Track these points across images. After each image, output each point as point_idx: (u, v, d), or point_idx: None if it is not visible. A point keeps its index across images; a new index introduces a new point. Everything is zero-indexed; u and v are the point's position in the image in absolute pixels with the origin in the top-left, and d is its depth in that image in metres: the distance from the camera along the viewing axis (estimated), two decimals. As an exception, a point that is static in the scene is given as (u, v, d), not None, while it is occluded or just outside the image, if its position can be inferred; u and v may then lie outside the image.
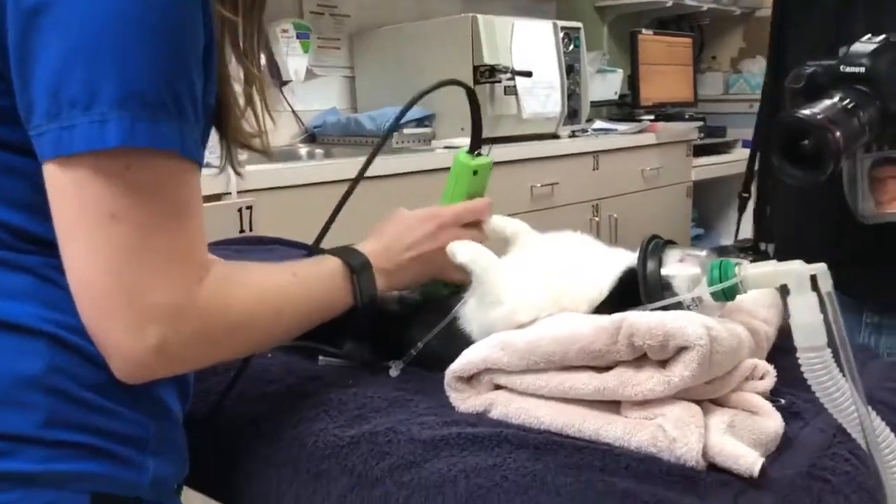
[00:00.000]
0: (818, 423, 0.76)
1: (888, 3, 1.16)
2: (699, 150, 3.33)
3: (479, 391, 0.77)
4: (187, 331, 0.64)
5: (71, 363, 0.65)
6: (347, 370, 0.90)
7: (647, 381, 0.68)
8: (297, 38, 2.53)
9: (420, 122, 2.48)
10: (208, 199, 1.67)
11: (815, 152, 0.95)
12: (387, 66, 2.68)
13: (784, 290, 0.73)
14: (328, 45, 2.72)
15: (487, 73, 2.41)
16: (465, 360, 0.76)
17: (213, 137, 0.78)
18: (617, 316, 0.71)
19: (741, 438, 0.68)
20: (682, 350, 0.68)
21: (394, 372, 0.88)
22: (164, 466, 0.71)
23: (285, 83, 2.55)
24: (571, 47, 2.77)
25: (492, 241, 0.94)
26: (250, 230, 1.73)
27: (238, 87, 0.77)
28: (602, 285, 0.80)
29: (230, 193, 1.73)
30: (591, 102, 2.98)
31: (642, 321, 0.69)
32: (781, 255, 0.75)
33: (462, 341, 0.85)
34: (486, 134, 2.28)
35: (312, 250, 0.91)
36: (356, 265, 0.82)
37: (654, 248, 0.79)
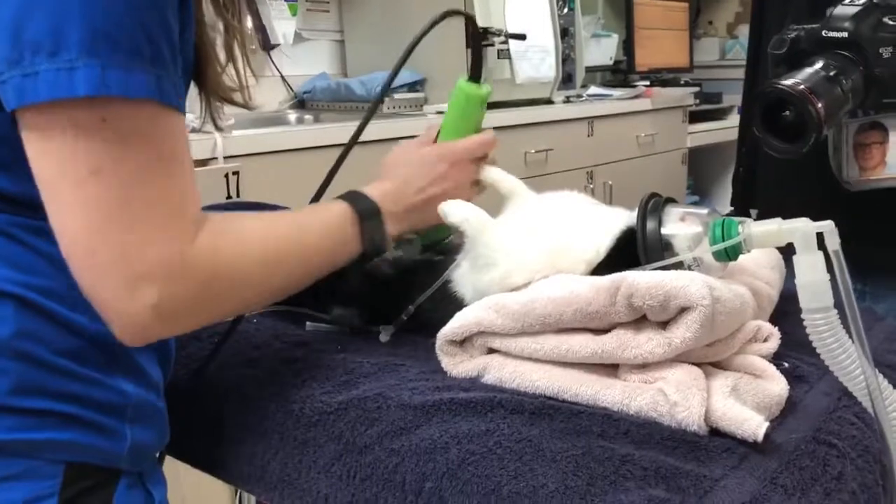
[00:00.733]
0: (822, 387, 0.73)
1: None
2: (694, 117, 3.29)
3: (471, 355, 0.74)
4: (184, 288, 0.60)
5: (41, 328, 0.62)
6: (336, 336, 0.87)
7: (647, 343, 0.66)
8: (285, 0, 2.47)
9: (412, 86, 2.43)
10: (193, 164, 1.63)
11: (797, 123, 0.92)
12: (377, 30, 2.62)
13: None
14: (317, 7, 2.65)
15: (480, 36, 2.35)
16: (458, 323, 0.73)
17: (192, 94, 0.74)
18: (616, 276, 0.68)
19: (744, 402, 0.65)
20: (683, 311, 0.65)
21: (384, 337, 0.86)
22: (143, 435, 0.68)
23: (273, 47, 2.49)
24: (566, 10, 2.71)
25: (485, 194, 0.90)
26: (237, 196, 1.69)
27: (218, 40, 0.73)
28: (600, 245, 0.77)
29: (216, 158, 1.69)
30: (586, 68, 2.93)
31: (642, 281, 0.66)
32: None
33: (455, 305, 0.82)
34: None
35: None
36: (364, 211, 0.77)
37: (653, 206, 0.76)
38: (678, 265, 0.73)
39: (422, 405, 0.67)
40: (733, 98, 3.62)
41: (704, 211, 0.76)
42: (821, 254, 0.68)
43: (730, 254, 0.72)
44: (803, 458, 0.62)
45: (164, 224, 0.59)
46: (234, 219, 0.68)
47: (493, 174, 0.90)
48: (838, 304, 0.67)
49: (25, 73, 0.54)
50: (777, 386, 0.68)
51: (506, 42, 2.43)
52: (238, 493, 1.70)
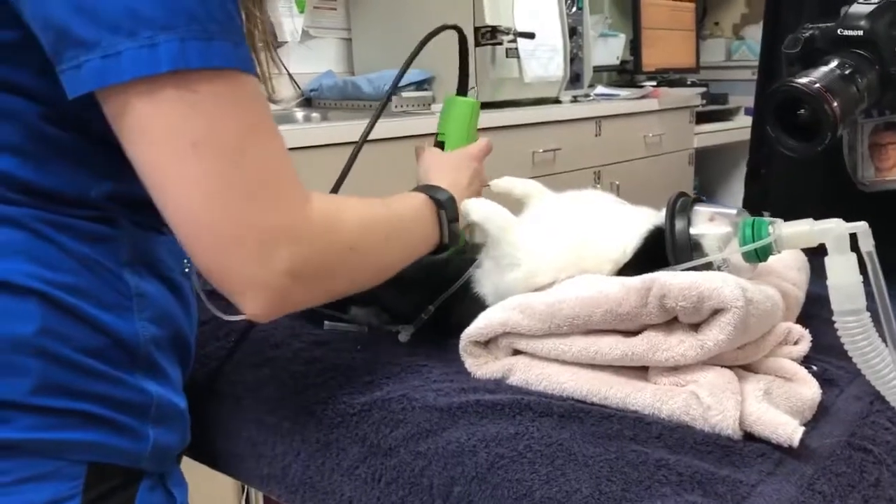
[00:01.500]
0: (853, 391, 0.72)
1: None
2: (701, 118, 3.28)
3: (496, 356, 0.73)
4: (314, 249, 0.60)
5: (65, 325, 0.61)
6: (354, 335, 0.86)
7: (679, 345, 0.64)
8: (293, -3, 2.45)
9: (419, 85, 2.41)
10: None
11: (812, 122, 0.91)
12: (385, 28, 2.60)
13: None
14: (324, 5, 2.64)
15: (489, 35, 2.34)
16: (483, 324, 0.72)
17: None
18: (647, 276, 0.67)
19: (777, 406, 0.64)
20: (716, 312, 0.64)
21: (403, 337, 0.84)
22: (165, 435, 0.67)
23: (280, 45, 2.48)
24: (574, 9, 2.70)
25: (501, 203, 0.90)
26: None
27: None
28: (626, 245, 0.76)
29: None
30: (593, 67, 2.92)
31: (675, 282, 0.64)
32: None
33: (476, 305, 0.81)
34: (488, 98, 2.23)
35: None
36: (444, 201, 0.78)
37: (682, 205, 0.75)
38: (707, 266, 0.72)
39: (447, 407, 0.66)
40: (739, 99, 3.61)
41: (733, 211, 0.74)
42: (853, 255, 0.67)
43: (760, 255, 0.71)
44: (839, 463, 0.61)
45: (278, 188, 0.58)
46: (334, 195, 0.68)
47: (504, 182, 0.91)
48: (870, 307, 0.66)
49: (106, 55, 0.52)
50: (809, 390, 0.67)
51: (514, 41, 2.41)
52: (245, 492, 1.69)
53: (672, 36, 3.61)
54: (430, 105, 2.40)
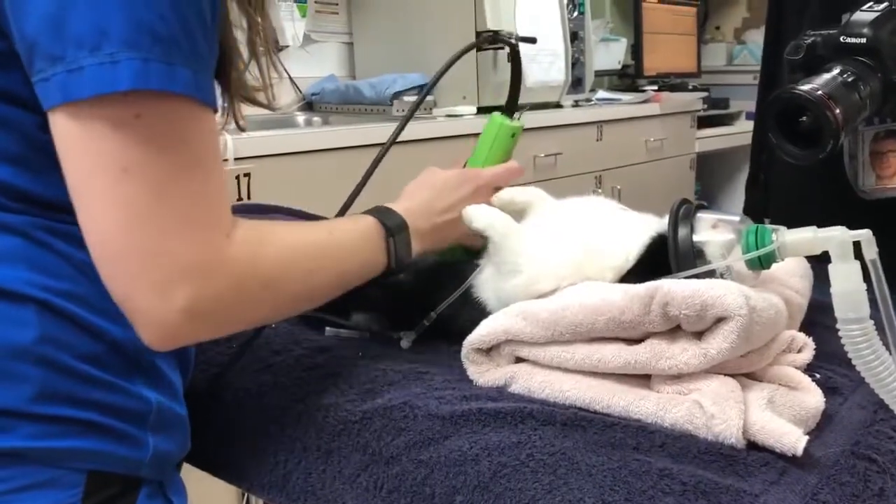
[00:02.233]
0: (857, 399, 0.72)
1: None
2: (702, 122, 3.28)
3: (498, 364, 0.73)
4: (217, 290, 0.59)
5: (64, 332, 0.60)
6: (356, 341, 0.86)
7: (682, 353, 0.64)
8: (295, 1, 2.45)
9: (421, 90, 2.41)
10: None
11: (814, 129, 0.91)
12: (386, 32, 2.60)
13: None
14: (326, 9, 2.64)
15: (491, 39, 2.34)
16: (485, 331, 0.72)
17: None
18: (650, 284, 0.66)
19: (781, 415, 0.63)
20: (720, 321, 0.64)
21: (405, 343, 0.84)
22: (165, 443, 0.67)
23: (282, 49, 2.48)
24: (576, 14, 2.70)
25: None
26: (248, 198, 1.68)
27: (241, 36, 0.71)
28: (629, 252, 0.76)
29: (227, 160, 1.68)
30: (594, 72, 2.92)
31: (678, 289, 0.64)
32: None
33: (478, 311, 0.81)
34: (489, 102, 2.20)
35: (312, 218, 0.85)
36: (392, 227, 0.76)
37: (684, 212, 0.75)
38: (710, 273, 0.72)
39: (450, 415, 0.66)
40: (740, 104, 3.61)
41: (737, 218, 0.74)
42: (857, 263, 0.67)
43: (763, 262, 0.70)
44: (843, 473, 0.60)
45: (197, 225, 0.57)
46: (265, 224, 0.66)
47: (505, 194, 0.88)
48: (873, 315, 0.66)
49: (70, 69, 0.53)
50: (813, 398, 0.67)
51: (516, 45, 2.41)
52: (245, 498, 1.68)
53: (673, 40, 3.61)
54: (431, 110, 2.39)
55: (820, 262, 0.74)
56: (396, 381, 0.73)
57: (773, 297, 0.71)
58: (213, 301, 0.58)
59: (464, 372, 0.74)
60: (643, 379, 0.67)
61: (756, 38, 4.00)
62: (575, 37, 2.69)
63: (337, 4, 2.67)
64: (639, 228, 0.77)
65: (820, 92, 0.91)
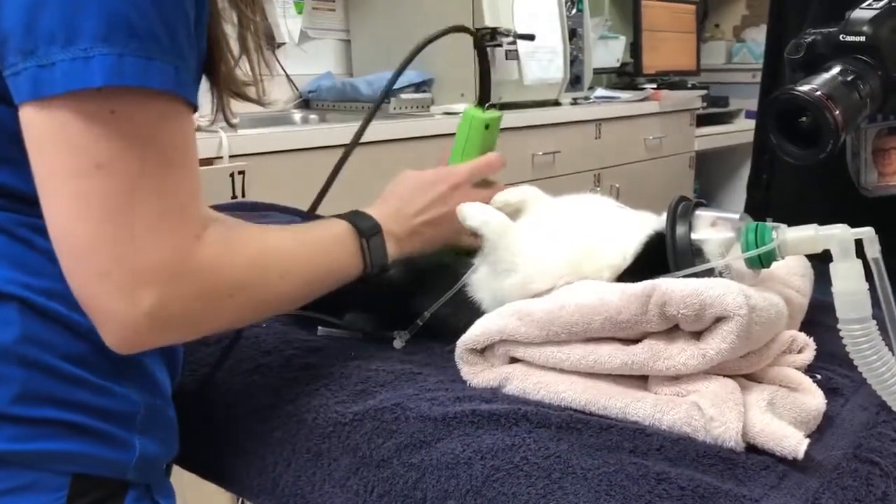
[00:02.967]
0: (858, 400, 0.70)
1: None
2: (701, 120, 3.26)
3: (492, 364, 0.71)
4: (184, 293, 0.57)
5: (47, 332, 0.59)
6: (348, 342, 0.84)
7: (680, 354, 0.63)
8: (291, -2, 2.44)
9: (418, 86, 2.40)
10: (199, 163, 1.60)
11: (814, 129, 0.90)
12: (384, 30, 2.59)
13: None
14: (323, 6, 2.62)
15: (488, 36, 2.33)
16: (479, 331, 0.70)
17: (201, 89, 0.71)
18: (647, 283, 0.65)
19: (781, 417, 0.62)
20: (718, 320, 0.62)
21: (398, 343, 0.82)
22: (152, 445, 0.65)
23: (278, 46, 2.46)
24: (574, 11, 2.69)
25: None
26: (243, 196, 1.66)
27: (231, 31, 0.70)
28: (626, 251, 0.74)
29: (222, 158, 1.66)
30: (593, 70, 2.90)
31: (676, 289, 0.63)
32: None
33: (472, 311, 0.79)
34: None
35: (308, 219, 0.84)
36: (366, 229, 0.75)
37: (683, 210, 0.73)
38: (709, 272, 0.70)
39: (442, 417, 0.64)
40: (740, 102, 3.60)
41: (736, 215, 0.73)
42: (859, 262, 0.65)
43: (763, 261, 0.69)
44: (845, 476, 0.59)
45: (168, 226, 0.56)
46: (236, 227, 0.65)
47: (502, 196, 0.86)
48: (875, 314, 0.64)
49: (41, 64, 0.51)
50: (814, 400, 0.65)
51: (514, 42, 2.40)
52: (239, 500, 1.67)
53: (673, 38, 3.59)
54: (428, 107, 2.38)
55: (821, 262, 0.73)
56: (388, 382, 0.72)
57: (773, 296, 0.70)
58: (179, 305, 0.57)
59: (457, 373, 0.72)
60: (640, 380, 0.66)
61: (755, 36, 3.98)
62: (573, 34, 2.67)
63: (334, 1, 2.65)
64: (636, 226, 0.75)
65: (819, 92, 0.89)
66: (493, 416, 0.63)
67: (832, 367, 0.75)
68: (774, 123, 0.93)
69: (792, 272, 0.80)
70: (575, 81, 2.72)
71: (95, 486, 0.61)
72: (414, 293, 0.85)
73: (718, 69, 3.93)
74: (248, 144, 1.72)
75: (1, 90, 0.55)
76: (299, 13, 2.48)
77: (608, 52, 3.28)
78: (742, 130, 3.45)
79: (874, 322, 0.64)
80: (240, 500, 1.64)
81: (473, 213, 0.80)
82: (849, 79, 0.92)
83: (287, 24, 2.45)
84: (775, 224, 0.70)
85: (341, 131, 1.94)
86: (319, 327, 0.87)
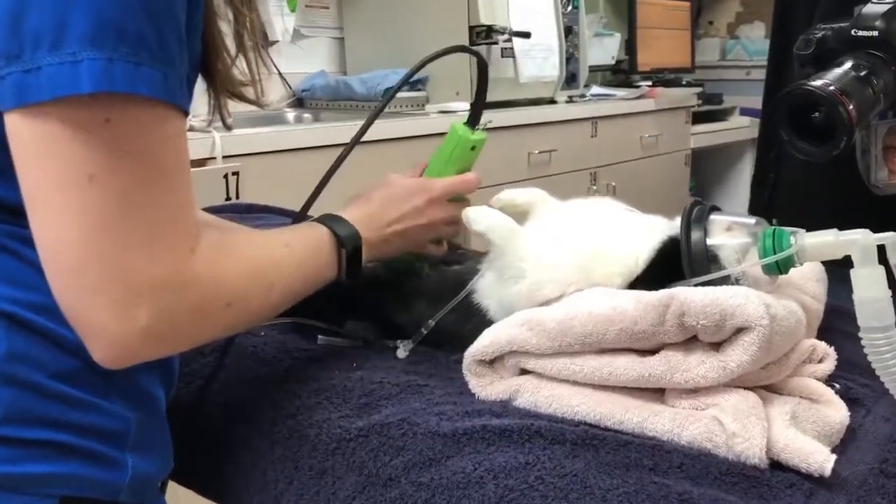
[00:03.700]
0: (881, 411, 0.68)
1: None
2: (696, 118, 3.25)
3: (502, 376, 0.69)
4: (180, 307, 0.55)
5: (35, 348, 0.56)
6: (350, 351, 0.81)
7: (699, 366, 0.60)
8: (284, -4, 2.40)
9: (413, 85, 2.36)
10: (192, 164, 1.56)
11: (827, 125, 0.87)
12: (378, 27, 2.55)
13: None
14: (316, 3, 2.59)
15: (484, 34, 2.30)
16: (488, 342, 0.68)
17: (197, 90, 0.68)
18: (664, 292, 0.62)
19: (804, 431, 0.60)
20: (739, 331, 0.60)
21: (402, 353, 0.80)
22: (145, 463, 0.62)
23: (271, 44, 2.43)
24: (570, 8, 2.66)
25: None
26: (237, 197, 1.63)
27: (228, 30, 0.67)
28: (638, 257, 0.72)
29: (215, 158, 1.63)
30: (588, 67, 2.88)
31: (695, 298, 0.60)
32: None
33: (478, 318, 0.77)
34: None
35: (299, 218, 0.81)
36: (345, 238, 0.73)
37: (697, 214, 0.71)
38: (725, 279, 0.68)
39: (451, 433, 0.61)
40: (734, 99, 3.58)
41: (752, 220, 0.70)
42: (881, 268, 0.63)
43: (781, 267, 0.67)
44: (873, 494, 0.56)
45: (163, 239, 0.53)
46: (228, 235, 0.63)
47: (505, 196, 0.84)
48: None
49: (27, 69, 0.49)
50: (838, 412, 0.63)
51: (510, 40, 2.37)
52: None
53: (667, 35, 3.57)
54: (423, 106, 2.35)
55: (835, 266, 0.71)
56: (394, 394, 0.69)
57: (791, 303, 0.67)
58: (174, 319, 0.55)
59: (465, 384, 0.69)
60: (657, 393, 0.63)
61: (749, 33, 3.97)
62: (569, 31, 2.65)
63: (327, -1, 2.62)
64: (648, 231, 0.73)
65: (832, 87, 0.87)
66: (504, 432, 0.61)
67: (851, 375, 0.73)
68: (786, 119, 0.91)
69: (806, 277, 0.78)
70: (571, 79, 2.69)
71: (86, 509, 0.58)
72: (417, 300, 0.82)
73: (713, 66, 3.91)
74: (241, 144, 1.69)
75: None
76: (293, 11, 2.45)
77: (603, 49, 3.26)
78: (737, 128, 3.44)
79: (897, 330, 0.62)
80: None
81: (479, 218, 0.77)
82: (862, 74, 0.90)
83: (280, 21, 2.41)
84: (793, 229, 0.68)
85: (336, 131, 1.91)
86: (319, 336, 0.84)
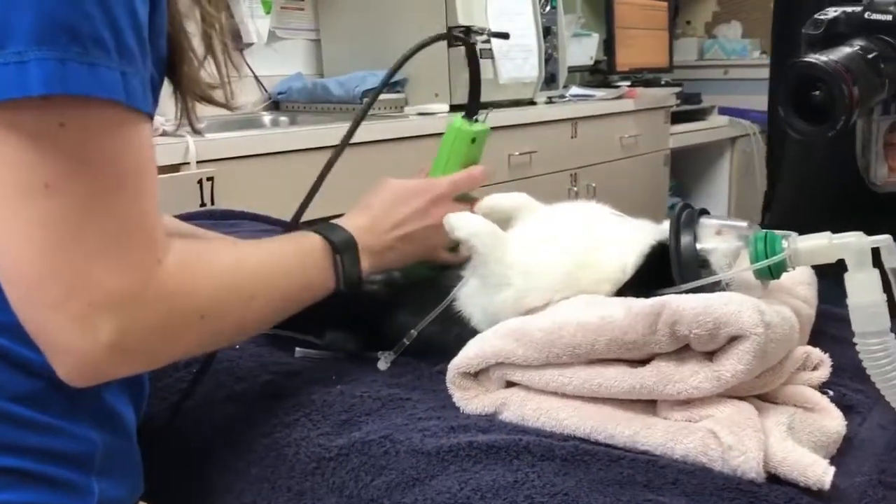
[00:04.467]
0: (876, 418, 0.66)
1: None
2: (675, 118, 3.24)
3: (487, 389, 0.66)
4: (146, 321, 0.52)
5: (-7, 370, 0.53)
6: (329, 363, 0.79)
7: (692, 377, 0.58)
8: (259, -3, 2.37)
9: (392, 87, 2.33)
10: (164, 170, 1.53)
11: (827, 103, 0.85)
12: (355, 29, 2.52)
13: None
14: (292, 5, 2.55)
15: (463, 34, 2.27)
16: (472, 353, 0.65)
17: (164, 93, 0.65)
18: (655, 301, 0.60)
19: (801, 442, 0.58)
20: (733, 340, 0.57)
21: (383, 365, 0.77)
22: (113, 488, 0.59)
23: (246, 46, 2.39)
24: (548, 8, 2.64)
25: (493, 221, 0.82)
26: (211, 203, 1.59)
27: (195, 31, 0.64)
28: (626, 263, 0.70)
29: (189, 164, 1.59)
30: (567, 68, 2.86)
31: (687, 307, 0.58)
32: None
33: (462, 328, 0.74)
34: (461, 99, 2.13)
35: (289, 228, 0.78)
36: (339, 243, 0.69)
37: (686, 218, 0.69)
38: (715, 285, 0.66)
39: (436, 450, 0.59)
40: (713, 98, 3.59)
41: (743, 223, 0.68)
42: (876, 272, 0.62)
43: (773, 271, 0.65)
44: (872, 506, 0.55)
45: (127, 248, 0.50)
46: (202, 244, 0.59)
47: (490, 200, 0.81)
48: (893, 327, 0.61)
49: None
50: (834, 421, 0.61)
51: (488, 41, 2.35)
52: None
53: (645, 35, 3.57)
54: (402, 108, 2.32)
55: (826, 269, 0.69)
56: (375, 409, 0.66)
57: (784, 309, 0.65)
58: (142, 334, 0.52)
59: (449, 398, 0.67)
60: (648, 405, 0.61)
61: (726, 32, 3.98)
62: (548, 32, 2.63)
63: (303, 0, 2.58)
64: (636, 236, 0.71)
65: (837, 64, 0.84)
66: (491, 449, 0.58)
67: (843, 381, 0.71)
68: (786, 95, 0.87)
69: (797, 281, 0.76)
70: (550, 80, 2.68)
71: (50, 538, 0.55)
72: (399, 309, 0.80)
73: (690, 66, 3.91)
74: (216, 149, 1.65)
75: None
76: (267, 13, 2.41)
77: (581, 49, 3.25)
78: (716, 127, 3.44)
79: (892, 335, 0.60)
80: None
81: (462, 224, 0.75)
82: (870, 56, 0.87)
83: (255, 23, 2.37)
84: (785, 232, 0.66)
85: (313, 134, 1.87)
86: (297, 348, 0.81)
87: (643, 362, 0.61)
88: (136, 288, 0.51)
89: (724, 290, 0.66)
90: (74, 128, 0.48)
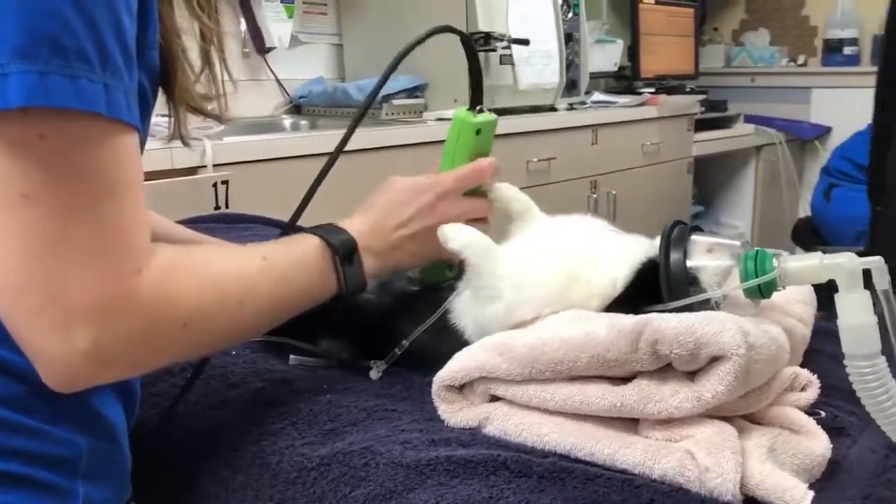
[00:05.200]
0: (866, 441, 0.65)
1: None
2: (700, 125, 3.21)
3: (472, 402, 0.66)
4: (125, 329, 0.53)
5: (-24, 374, 0.54)
6: (322, 371, 0.79)
7: (673, 396, 0.58)
8: (281, 2, 2.38)
9: (411, 92, 2.34)
10: (180, 172, 1.55)
11: None
12: (376, 33, 2.53)
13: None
14: (314, 9, 2.57)
15: (482, 41, 2.27)
16: (457, 367, 0.65)
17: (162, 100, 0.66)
18: (639, 319, 0.60)
19: (783, 464, 0.57)
20: (715, 360, 0.57)
21: (375, 374, 0.77)
22: (98, 491, 0.60)
23: (268, 50, 2.41)
24: (570, 14, 2.63)
25: (495, 212, 0.81)
26: (226, 207, 1.61)
27: (193, 45, 0.65)
28: (616, 279, 0.69)
29: (205, 167, 1.61)
30: (590, 74, 2.85)
31: (669, 326, 0.57)
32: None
33: (454, 339, 0.74)
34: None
35: (288, 230, 0.77)
36: (339, 246, 0.68)
37: (677, 235, 0.68)
38: (705, 302, 0.65)
39: (415, 464, 0.59)
40: (739, 106, 3.55)
41: (735, 242, 0.68)
42: (867, 293, 0.61)
43: (763, 291, 0.64)
44: (854, 533, 0.54)
45: (103, 260, 0.51)
46: (190, 251, 0.59)
47: (504, 191, 0.81)
48: (886, 351, 0.60)
49: None
50: (819, 445, 0.60)
51: (508, 47, 2.35)
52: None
53: (671, 42, 3.54)
54: (421, 113, 2.33)
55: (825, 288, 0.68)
56: (360, 420, 0.67)
57: (773, 328, 0.65)
58: (120, 343, 0.52)
59: (435, 410, 0.67)
60: (630, 422, 0.61)
61: (754, 40, 3.93)
62: (570, 38, 2.62)
63: (325, 5, 2.60)
64: (628, 252, 0.70)
65: None
66: (469, 464, 0.58)
67: (836, 402, 0.70)
68: None
69: (793, 300, 0.75)
70: (571, 86, 2.67)
71: (34, 541, 0.56)
72: (394, 319, 0.80)
73: (717, 73, 3.88)
74: (233, 153, 1.67)
75: None
76: (290, 17, 2.43)
77: (605, 56, 3.23)
78: (741, 135, 3.40)
79: (883, 358, 0.59)
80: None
81: (454, 235, 0.74)
82: None
83: (277, 28, 2.40)
84: (776, 251, 0.66)
85: (329, 138, 1.88)
86: (291, 356, 0.82)
87: (626, 380, 0.60)
88: (111, 298, 0.51)
89: (714, 308, 0.66)
90: (55, 139, 0.49)
